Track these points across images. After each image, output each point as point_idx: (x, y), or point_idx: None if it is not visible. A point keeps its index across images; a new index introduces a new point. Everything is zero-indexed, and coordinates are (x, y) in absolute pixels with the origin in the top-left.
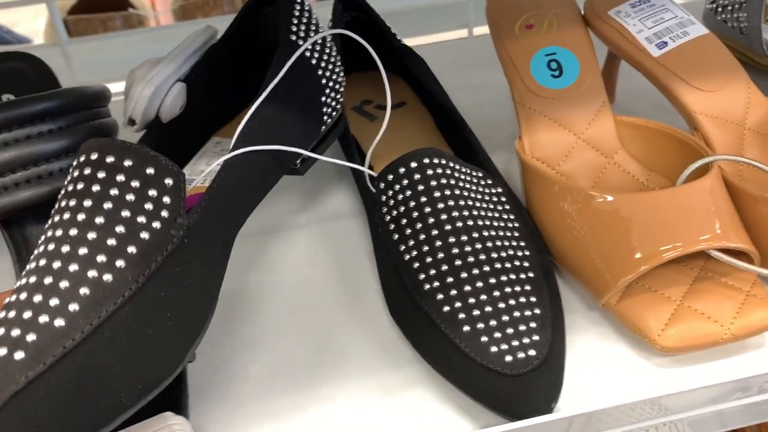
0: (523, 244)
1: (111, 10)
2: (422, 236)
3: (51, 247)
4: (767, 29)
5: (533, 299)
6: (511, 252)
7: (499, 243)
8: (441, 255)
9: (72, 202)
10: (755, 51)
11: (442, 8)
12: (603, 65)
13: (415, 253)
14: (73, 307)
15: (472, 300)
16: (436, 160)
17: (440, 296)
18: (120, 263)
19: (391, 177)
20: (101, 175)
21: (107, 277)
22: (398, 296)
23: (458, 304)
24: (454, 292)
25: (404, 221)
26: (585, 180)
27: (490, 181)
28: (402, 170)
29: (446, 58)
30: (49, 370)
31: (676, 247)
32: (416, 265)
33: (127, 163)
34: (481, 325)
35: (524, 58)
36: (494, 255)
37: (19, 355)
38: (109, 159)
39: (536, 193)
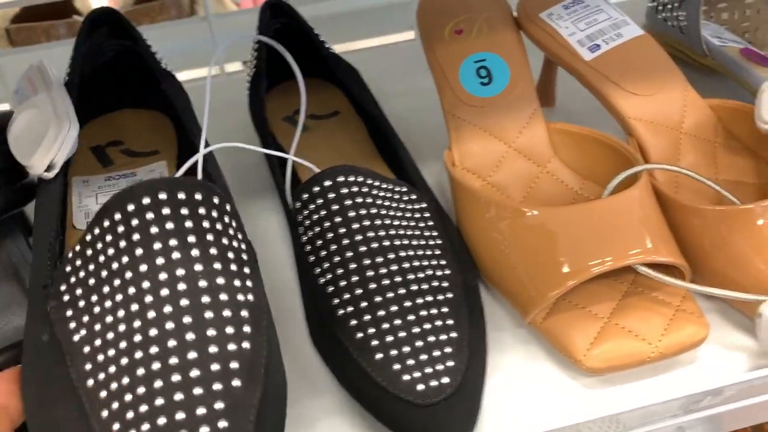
0: (443, 262)
1: (55, 18)
2: (336, 259)
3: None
4: (708, 27)
5: (450, 322)
6: (429, 272)
7: (416, 263)
8: (355, 278)
9: (166, 243)
10: (695, 51)
11: (388, 9)
12: (541, 68)
13: (329, 276)
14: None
15: (385, 325)
16: (351, 178)
17: (353, 322)
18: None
19: (305, 196)
20: (185, 211)
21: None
22: (315, 321)
23: (371, 330)
24: (367, 317)
25: (318, 243)
26: (517, 190)
27: (414, 196)
28: (316, 189)
29: (391, 61)
30: None
31: (604, 261)
32: (330, 289)
33: (198, 196)
34: (393, 352)
35: (453, 65)
36: (410, 276)
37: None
38: (181, 195)
39: (463, 207)
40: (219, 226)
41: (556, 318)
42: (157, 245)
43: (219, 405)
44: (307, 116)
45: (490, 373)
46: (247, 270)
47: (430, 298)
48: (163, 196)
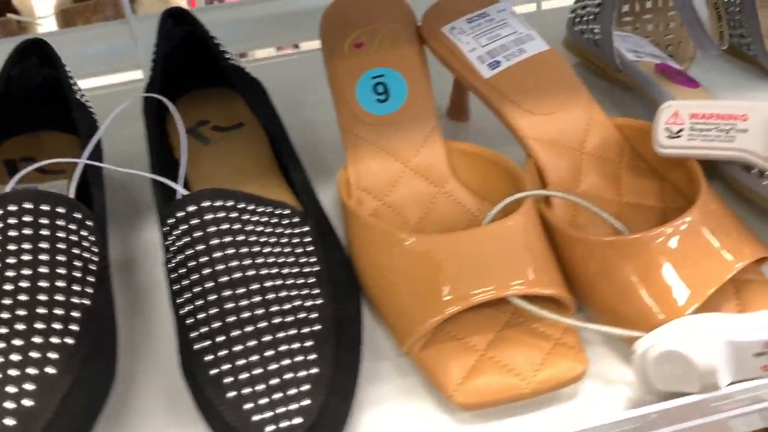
0: (315, 292)
1: None
2: (197, 289)
3: None
4: (628, 40)
5: (312, 357)
6: (297, 303)
7: (283, 294)
8: (213, 311)
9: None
10: (609, 65)
11: (310, 14)
12: (453, 82)
13: (189, 307)
14: None
15: (241, 362)
16: (218, 203)
17: (209, 357)
18: None
19: (171, 221)
20: (44, 221)
21: None
22: (181, 354)
23: (226, 367)
24: (223, 353)
25: (181, 271)
26: (413, 211)
27: (296, 220)
28: (180, 214)
29: (309, 69)
30: None
31: (485, 291)
32: (190, 321)
33: (60, 209)
34: (246, 391)
35: (350, 81)
36: (274, 308)
37: None
38: (44, 207)
39: (349, 231)
40: (74, 237)
41: (432, 349)
42: (12, 246)
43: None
44: (211, 128)
45: (362, 408)
46: (91, 278)
47: (293, 332)
48: (28, 205)
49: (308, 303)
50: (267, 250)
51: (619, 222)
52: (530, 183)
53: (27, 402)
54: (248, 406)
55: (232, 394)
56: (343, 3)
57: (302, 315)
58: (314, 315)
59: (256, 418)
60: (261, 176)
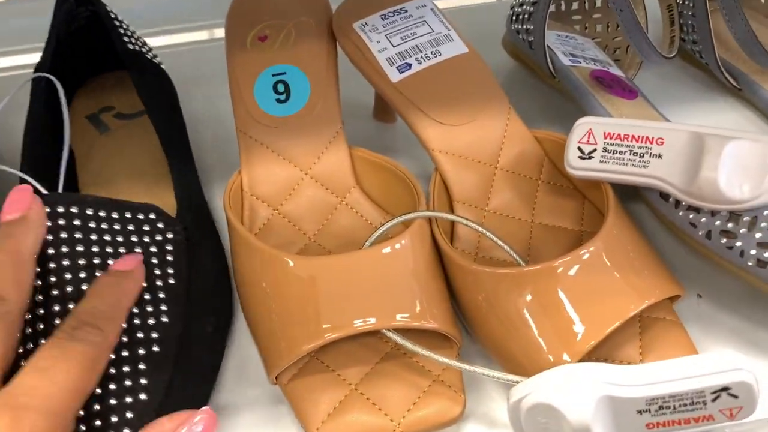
0: (163, 308)
1: None
2: (33, 300)
3: None
4: (566, 41)
5: (143, 382)
6: (136, 321)
7: None
8: (40, 326)
9: None
10: (542, 69)
11: None
12: None
13: (27, 319)
14: None
15: None
16: (60, 209)
17: None
18: None
19: None
20: None
21: None
22: None
23: None
24: None
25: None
26: (311, 223)
27: (160, 225)
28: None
29: None
30: None
31: (366, 321)
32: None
33: None
34: None
35: (248, 78)
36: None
37: None
38: None
39: (231, 244)
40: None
41: (302, 380)
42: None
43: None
44: (113, 115)
45: None
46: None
47: (125, 353)
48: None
49: (150, 321)
50: (110, 262)
51: (526, 251)
52: (433, 197)
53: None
54: None
55: None
56: None
57: (139, 335)
58: (154, 335)
59: None
60: (152, 172)
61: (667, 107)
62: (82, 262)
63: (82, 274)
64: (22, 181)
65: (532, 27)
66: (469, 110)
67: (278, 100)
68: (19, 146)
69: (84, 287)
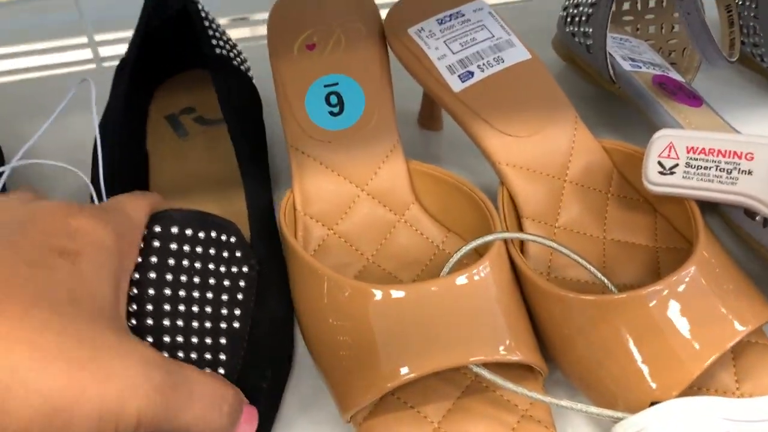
0: (222, 358)
1: None
2: None
3: None
4: (625, 45)
5: None
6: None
7: (180, 354)
8: None
9: None
10: (601, 75)
11: None
12: None
13: None
14: None
15: None
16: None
17: None
18: None
19: None
20: None
21: None
22: None
23: None
24: None
25: None
26: (368, 243)
27: (238, 254)
28: None
29: None
30: None
31: (450, 357)
32: None
33: None
34: None
35: (299, 89)
36: None
37: None
38: None
39: (290, 268)
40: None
41: (379, 419)
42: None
43: None
44: (194, 118)
45: None
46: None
47: None
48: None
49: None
50: (182, 293)
51: (600, 269)
52: (503, 214)
53: None
54: None
55: None
56: None
57: None
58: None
59: None
60: (225, 186)
61: (729, 114)
62: (150, 292)
63: (149, 307)
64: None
65: (590, 30)
66: (536, 120)
67: (331, 113)
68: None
69: (148, 322)
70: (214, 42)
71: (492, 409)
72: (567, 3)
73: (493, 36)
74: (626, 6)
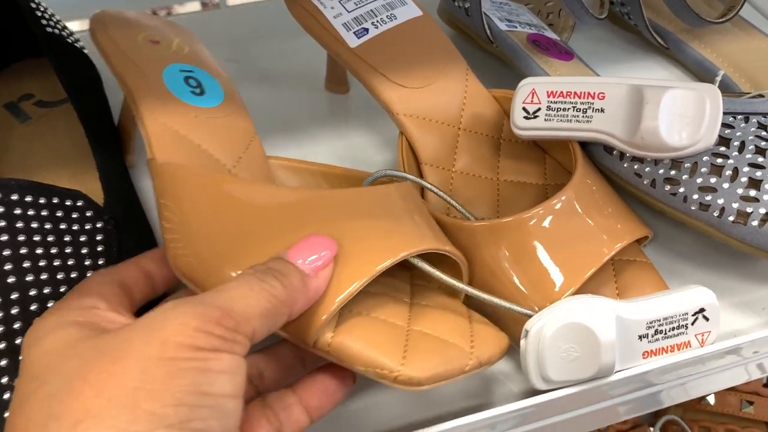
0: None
1: None
2: None
3: None
4: (504, 8)
5: None
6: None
7: (34, 306)
8: None
9: None
10: (480, 36)
11: None
12: None
13: None
14: None
15: None
16: None
17: None
18: None
19: None
20: None
21: None
22: None
23: None
24: None
25: None
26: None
27: (89, 213)
28: None
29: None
30: None
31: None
32: None
33: None
34: None
35: (154, 69)
36: (17, 325)
37: None
38: None
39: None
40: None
41: (349, 335)
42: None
43: None
44: (34, 103)
45: None
46: None
47: None
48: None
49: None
50: (39, 251)
51: (495, 208)
52: (403, 161)
53: None
54: None
55: None
56: None
57: None
58: None
59: None
60: (77, 162)
61: (600, 68)
62: (6, 252)
63: (8, 266)
64: None
65: None
66: (429, 72)
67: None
68: None
69: (10, 280)
70: (44, 22)
71: (445, 301)
72: None
73: None
74: None
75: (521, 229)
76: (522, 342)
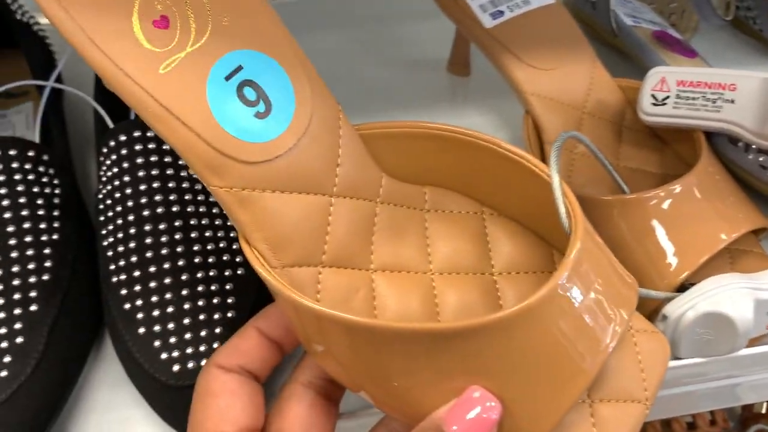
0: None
1: None
2: (119, 221)
3: None
4: (627, 5)
5: (231, 300)
6: (222, 244)
7: (208, 234)
8: (133, 244)
9: None
10: (605, 29)
11: None
12: (455, 33)
13: (111, 239)
14: None
15: (155, 298)
16: (150, 133)
17: (124, 291)
18: None
19: (104, 150)
20: None
21: None
22: (102, 285)
23: (139, 302)
24: (138, 287)
25: (108, 202)
26: (361, 253)
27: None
28: (112, 143)
29: None
30: None
31: None
32: (110, 253)
33: (12, 151)
34: (157, 328)
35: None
36: (196, 247)
37: None
38: None
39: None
40: (31, 177)
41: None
42: None
43: (18, 325)
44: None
45: None
46: (56, 213)
47: (213, 273)
48: None
49: (236, 246)
50: (198, 186)
51: (612, 193)
52: (528, 139)
53: (19, 339)
54: (157, 343)
55: (142, 330)
56: None
57: (225, 257)
58: (239, 258)
59: (164, 356)
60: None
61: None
62: (171, 185)
63: (173, 196)
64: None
65: None
66: (558, 56)
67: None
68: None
69: (174, 209)
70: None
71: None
72: None
73: None
74: None
75: (643, 207)
76: (659, 325)
